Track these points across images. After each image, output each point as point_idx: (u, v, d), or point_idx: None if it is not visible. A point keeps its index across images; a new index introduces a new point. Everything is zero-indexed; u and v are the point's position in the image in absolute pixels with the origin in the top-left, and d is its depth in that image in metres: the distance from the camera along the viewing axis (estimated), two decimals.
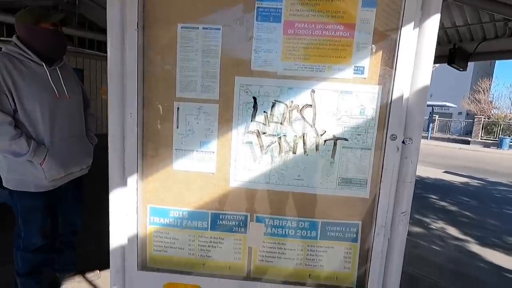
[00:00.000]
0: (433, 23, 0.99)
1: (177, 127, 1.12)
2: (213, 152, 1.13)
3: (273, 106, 1.07)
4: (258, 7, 1.03)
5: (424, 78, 1.01)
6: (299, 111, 1.07)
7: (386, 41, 1.03)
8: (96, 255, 1.58)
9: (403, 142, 1.04)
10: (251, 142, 1.11)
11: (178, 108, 1.11)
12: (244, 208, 1.16)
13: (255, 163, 1.12)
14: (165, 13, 1.07)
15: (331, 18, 1.02)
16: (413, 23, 0.98)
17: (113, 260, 1.18)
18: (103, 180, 1.14)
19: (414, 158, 1.06)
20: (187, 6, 1.06)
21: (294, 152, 1.10)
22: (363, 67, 1.05)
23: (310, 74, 1.06)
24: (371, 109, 1.06)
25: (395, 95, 1.01)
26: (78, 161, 1.62)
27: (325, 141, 1.08)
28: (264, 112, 1.08)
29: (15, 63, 1.44)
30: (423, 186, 5.60)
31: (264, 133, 1.09)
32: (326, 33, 1.04)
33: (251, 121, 1.09)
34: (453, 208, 4.35)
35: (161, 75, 1.10)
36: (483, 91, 22.61)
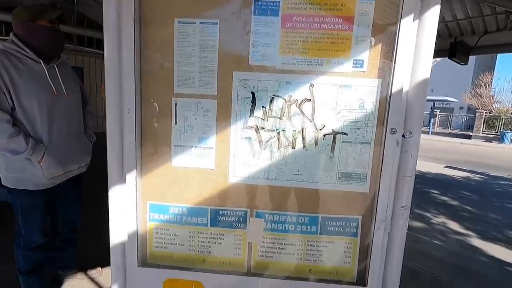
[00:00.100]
0: (433, 15, 0.97)
1: (175, 123, 1.12)
2: (212, 148, 1.12)
3: (271, 101, 1.07)
4: (255, 1, 1.02)
5: (424, 71, 1.00)
6: (298, 105, 1.06)
7: (386, 34, 1.01)
8: (98, 252, 1.58)
9: (403, 136, 1.03)
10: (250, 138, 1.10)
11: (176, 104, 1.11)
12: (243, 204, 1.15)
13: (254, 158, 1.11)
14: (162, 8, 1.06)
15: (330, 11, 1.01)
16: (412, 15, 0.97)
17: (113, 257, 1.18)
18: (102, 178, 1.14)
19: (414, 152, 1.05)
20: (183, 0, 1.05)
21: (293, 147, 1.09)
22: (362, 61, 1.03)
23: (309, 68, 1.05)
24: (370, 103, 1.05)
25: (395, 88, 1.00)
26: (76, 159, 1.61)
27: (324, 135, 1.07)
28: (263, 107, 1.07)
29: (12, 60, 1.43)
30: (424, 181, 5.59)
31: (263, 128, 1.08)
32: (325, 26, 1.02)
33: (250, 116, 1.08)
34: (454, 202, 4.35)
35: (158, 71, 1.09)
36: (484, 85, 22.49)
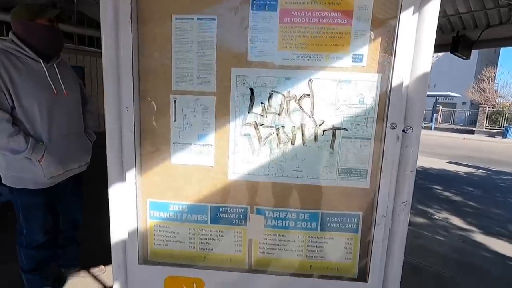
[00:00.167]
0: (433, 8, 0.96)
1: (174, 121, 1.11)
2: (211, 145, 1.12)
3: (270, 97, 1.06)
4: None
5: (425, 64, 0.99)
6: (297, 101, 1.05)
7: (385, 28, 1.00)
8: (100, 250, 1.59)
9: (403, 130, 1.03)
10: (249, 134, 1.09)
11: (174, 101, 1.10)
12: (243, 201, 1.15)
13: (253, 155, 1.11)
14: (159, 4, 1.05)
15: (328, 5, 1.00)
16: (412, 8, 0.95)
17: (114, 255, 1.18)
18: (103, 177, 1.14)
19: (414, 147, 1.04)
20: None
21: (292, 143, 1.08)
22: (362, 55, 1.02)
23: (308, 64, 1.04)
24: (370, 98, 1.04)
25: (395, 82, 0.99)
26: (76, 158, 1.62)
27: (323, 131, 1.07)
28: (262, 103, 1.06)
29: (12, 59, 1.43)
30: (427, 176, 5.57)
31: (262, 124, 1.08)
32: (323, 21, 1.01)
33: (249, 112, 1.07)
34: (457, 198, 4.32)
35: (156, 68, 1.09)
36: (487, 80, 22.31)
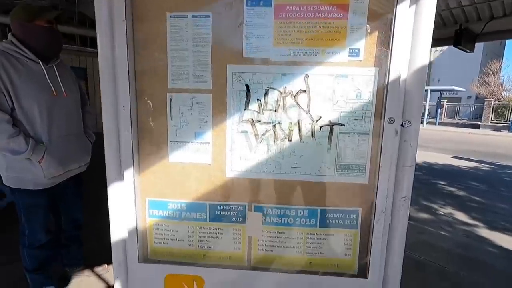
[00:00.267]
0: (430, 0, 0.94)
1: (171, 119, 1.11)
2: (209, 142, 1.12)
3: (266, 93, 1.05)
4: None
5: (422, 57, 0.97)
6: (293, 97, 1.05)
7: (382, 21, 0.99)
8: (103, 250, 1.60)
9: (401, 125, 1.01)
10: (246, 131, 1.09)
11: (171, 100, 1.10)
12: (241, 198, 1.15)
13: (251, 152, 1.10)
14: (153, 2, 1.04)
15: None
16: (408, 0, 0.94)
17: (115, 253, 1.19)
18: (103, 177, 1.14)
19: (413, 141, 1.03)
20: None
21: (289, 140, 1.08)
22: (359, 49, 1.01)
23: (304, 59, 1.03)
24: (368, 93, 1.03)
25: (392, 76, 0.98)
26: (76, 158, 1.63)
27: (321, 127, 1.06)
28: (258, 100, 1.06)
29: (11, 61, 1.44)
30: (431, 172, 5.52)
31: (259, 121, 1.07)
32: (319, 15, 1.00)
33: (245, 109, 1.07)
34: (461, 193, 4.28)
35: (152, 67, 1.08)
36: (493, 73, 22.00)
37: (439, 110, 18.92)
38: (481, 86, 22.47)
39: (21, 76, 1.43)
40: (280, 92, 1.05)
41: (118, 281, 1.20)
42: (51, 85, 1.52)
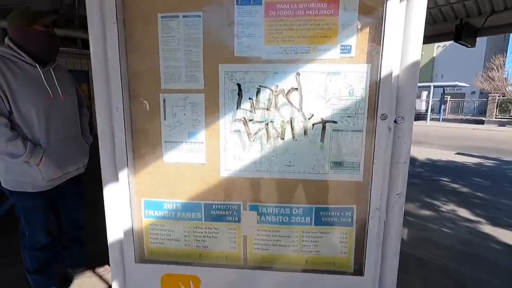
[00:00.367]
0: None
1: (165, 119, 1.12)
2: (202, 142, 1.12)
3: (258, 92, 1.05)
4: None
5: (414, 53, 0.97)
6: (285, 95, 1.04)
7: (373, 17, 0.98)
8: (104, 251, 1.61)
9: (395, 121, 1.01)
10: (239, 130, 1.09)
11: (164, 100, 1.10)
12: (236, 198, 1.15)
13: (244, 151, 1.10)
14: (144, 3, 1.05)
15: None
16: None
17: (112, 254, 1.20)
18: (101, 178, 1.15)
19: (407, 137, 1.02)
20: None
21: (282, 138, 1.07)
22: (350, 46, 1.01)
23: (295, 57, 1.02)
24: (360, 89, 1.03)
25: (384, 72, 0.97)
26: (74, 160, 1.64)
27: (313, 125, 1.05)
28: (250, 99, 1.06)
29: (9, 65, 1.45)
30: (434, 168, 5.47)
31: (251, 120, 1.07)
32: (309, 12, 1.00)
33: (237, 108, 1.07)
34: (464, 189, 4.24)
35: (144, 68, 1.09)
36: (497, 68, 21.74)
37: (442, 106, 18.75)
38: (485, 81, 22.22)
39: (19, 80, 1.44)
40: (272, 91, 1.05)
41: (115, 281, 1.21)
42: (49, 89, 1.53)
